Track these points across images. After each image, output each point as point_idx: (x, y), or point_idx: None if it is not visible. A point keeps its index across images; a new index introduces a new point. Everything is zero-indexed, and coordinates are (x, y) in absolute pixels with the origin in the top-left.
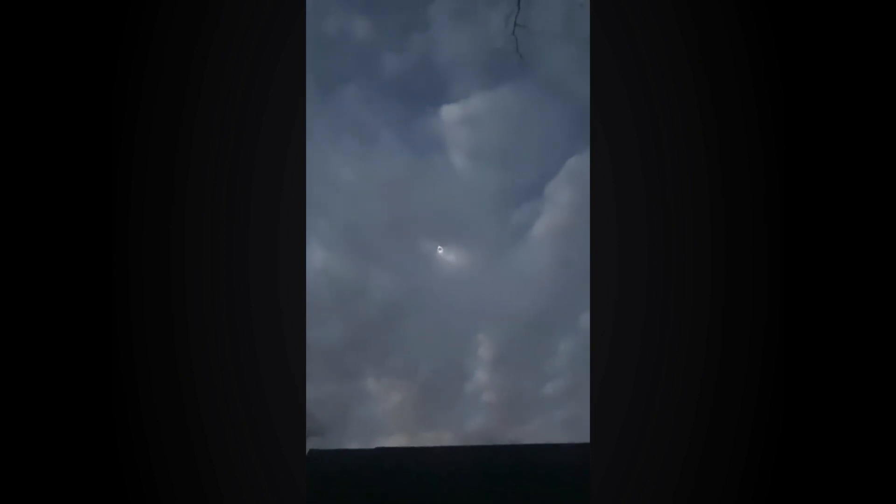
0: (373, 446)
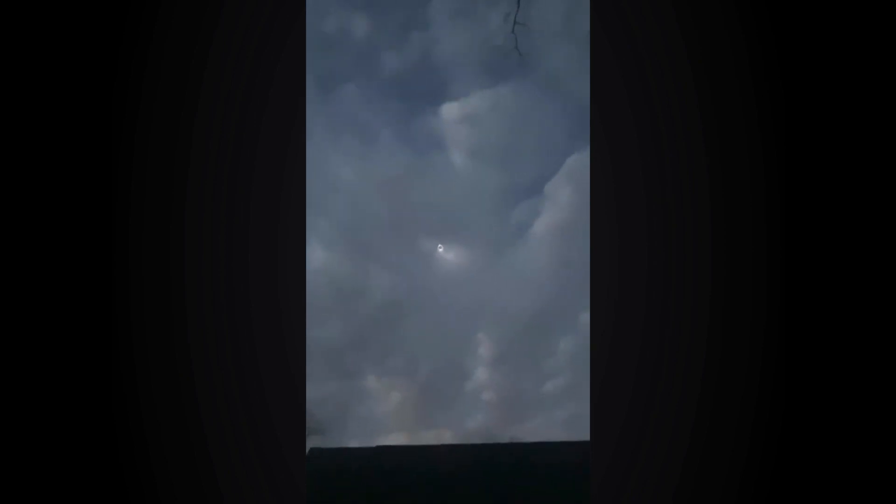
0: (373, 445)
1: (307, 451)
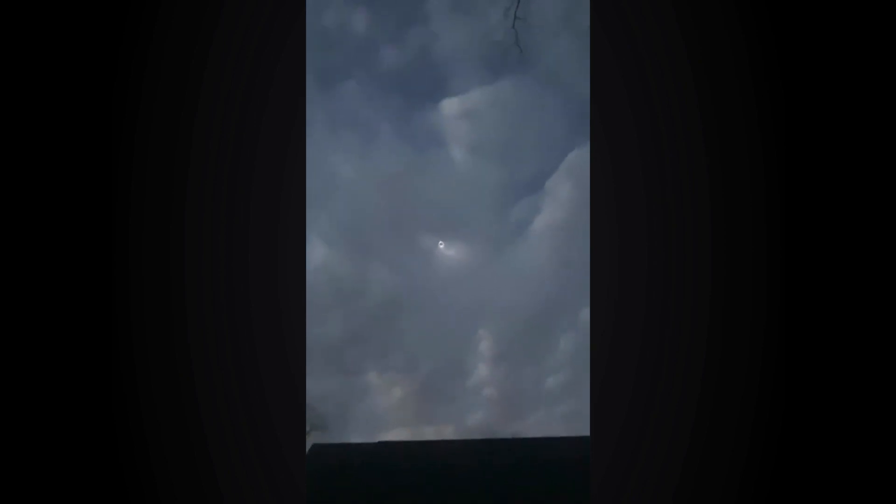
0: (375, 441)
1: (309, 446)
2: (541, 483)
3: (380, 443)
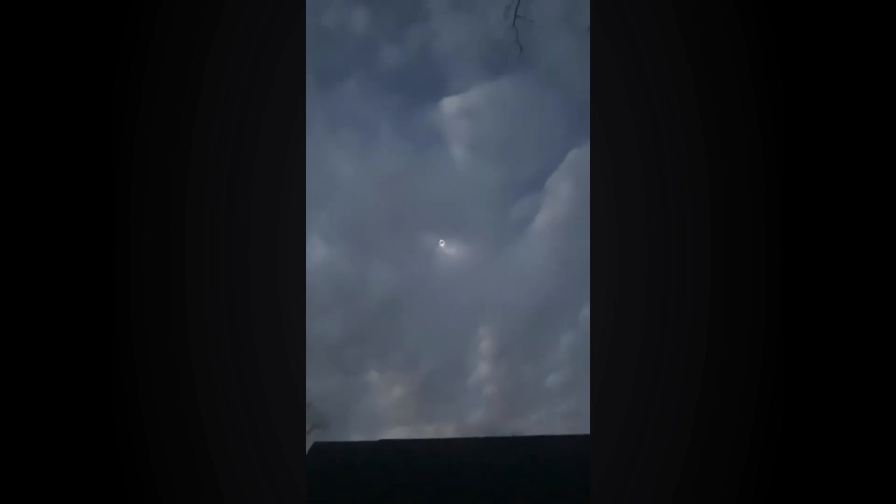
0: (376, 438)
1: (311, 445)
2: (542, 481)
3: (381, 441)
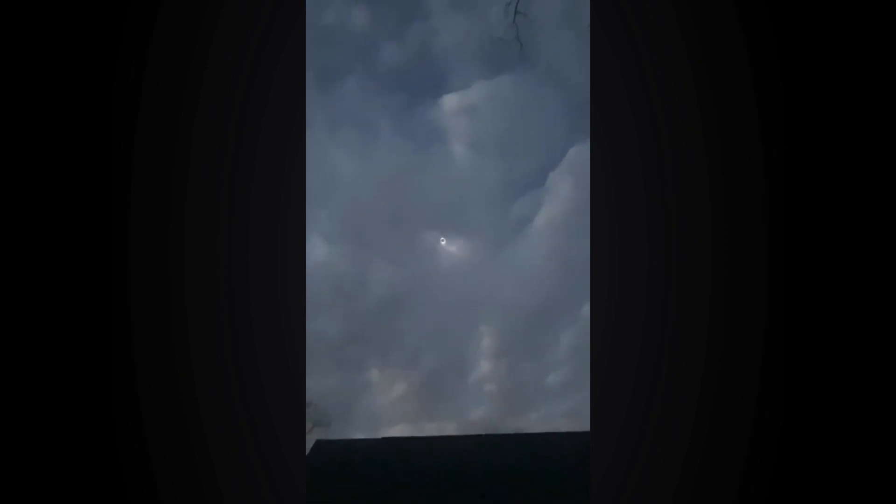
0: (378, 436)
1: (313, 443)
2: (542, 479)
3: (383, 439)
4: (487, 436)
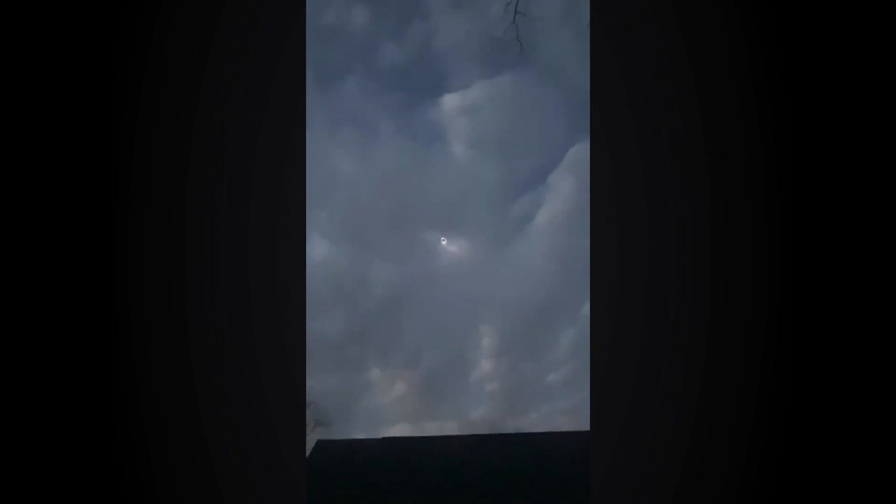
0: (379, 436)
1: (314, 443)
2: (542, 479)
3: (384, 439)
4: (488, 435)
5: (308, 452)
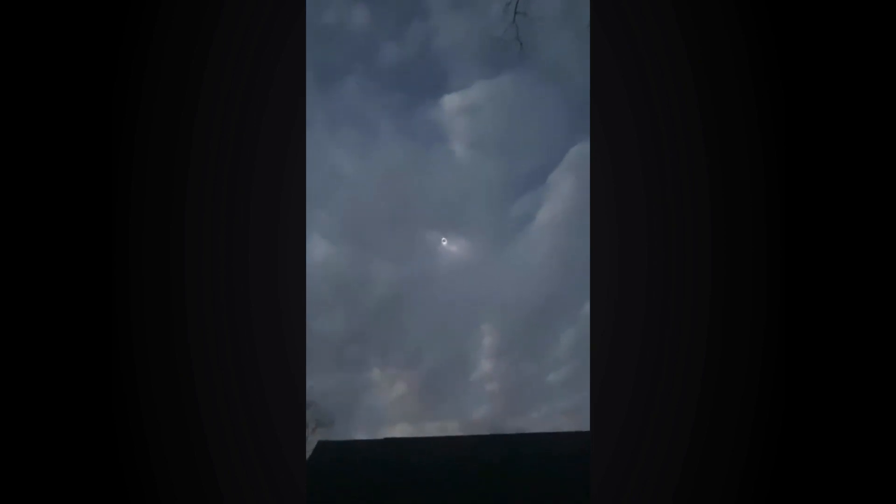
0: (380, 436)
1: (315, 444)
2: (543, 479)
3: (385, 440)
4: (489, 436)
5: (309, 453)
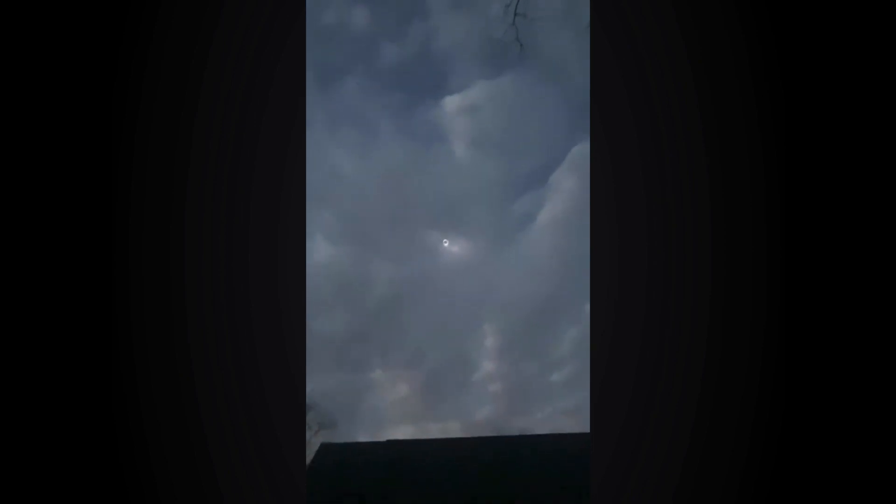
0: (383, 438)
1: (318, 446)
2: (543, 479)
3: (387, 441)
4: (490, 438)
5: (312, 456)
